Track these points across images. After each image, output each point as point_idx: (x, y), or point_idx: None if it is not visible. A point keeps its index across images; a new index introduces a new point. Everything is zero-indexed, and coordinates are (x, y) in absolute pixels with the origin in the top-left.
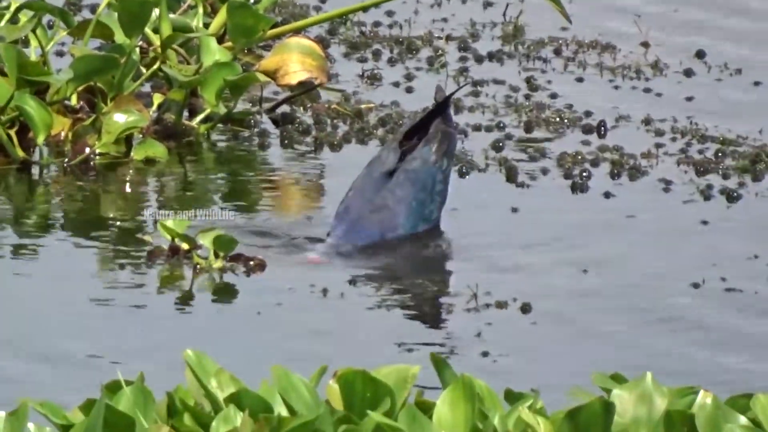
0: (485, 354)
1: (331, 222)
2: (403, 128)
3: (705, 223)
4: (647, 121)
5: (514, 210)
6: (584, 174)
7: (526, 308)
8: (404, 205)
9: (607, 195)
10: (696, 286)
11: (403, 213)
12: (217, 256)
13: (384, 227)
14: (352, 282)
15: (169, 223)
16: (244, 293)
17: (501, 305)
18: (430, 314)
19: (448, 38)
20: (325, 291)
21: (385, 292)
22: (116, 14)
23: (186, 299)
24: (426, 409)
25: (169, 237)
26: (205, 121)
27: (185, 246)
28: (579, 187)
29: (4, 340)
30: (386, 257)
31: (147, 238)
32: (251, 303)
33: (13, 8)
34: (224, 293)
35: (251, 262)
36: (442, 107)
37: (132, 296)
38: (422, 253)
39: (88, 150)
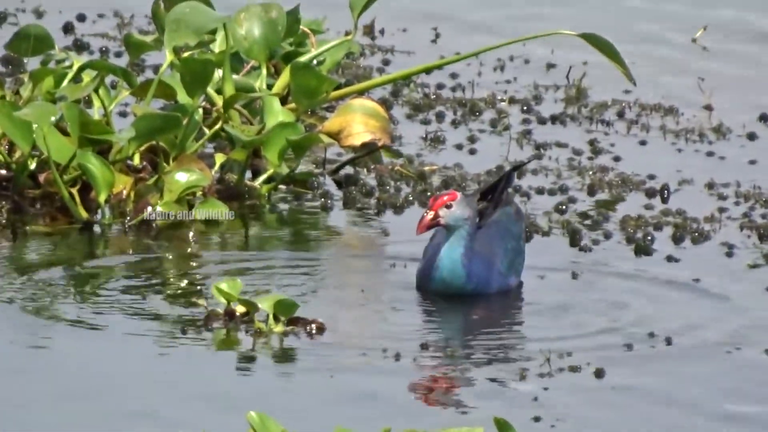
0: (547, 417)
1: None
2: (477, 189)
3: None
4: (710, 185)
5: (575, 276)
6: (647, 238)
7: (599, 373)
8: (501, 249)
9: (670, 259)
10: None
11: (500, 254)
12: (277, 320)
13: (486, 265)
14: (425, 346)
15: (224, 286)
16: (305, 356)
17: (574, 369)
18: (502, 378)
19: (511, 100)
20: (397, 356)
21: (458, 356)
22: (179, 74)
23: (248, 362)
24: None
25: (224, 301)
26: (267, 181)
27: (241, 309)
28: (642, 251)
29: (65, 402)
30: (449, 320)
31: (201, 302)
32: (315, 365)
33: (75, 68)
34: (286, 356)
35: (311, 326)
36: (511, 176)
37: (192, 359)
38: (494, 316)
39: (149, 209)
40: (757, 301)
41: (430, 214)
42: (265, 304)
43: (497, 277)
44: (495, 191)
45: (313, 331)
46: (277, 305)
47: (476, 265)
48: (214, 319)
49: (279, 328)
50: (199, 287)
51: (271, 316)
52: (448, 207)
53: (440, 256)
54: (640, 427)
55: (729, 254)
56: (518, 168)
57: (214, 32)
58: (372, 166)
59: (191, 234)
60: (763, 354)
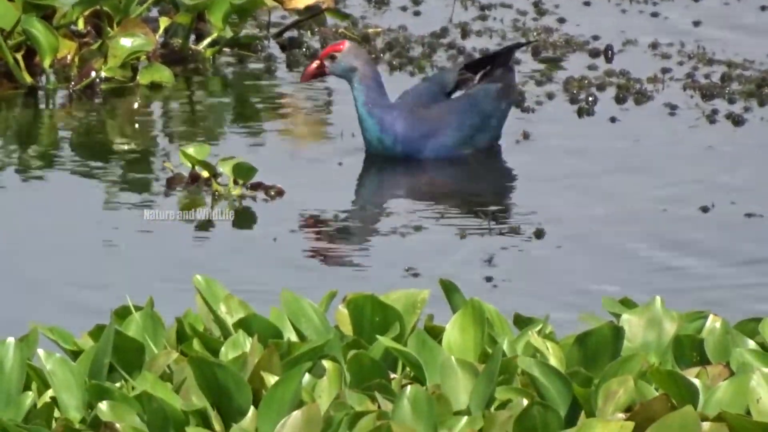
0: (494, 278)
1: (381, 109)
2: (464, 60)
3: (710, 147)
4: (654, 46)
5: (524, 135)
6: (590, 98)
7: (539, 233)
8: (456, 122)
9: (613, 119)
10: (705, 210)
11: (452, 127)
12: (236, 183)
13: (417, 130)
14: (363, 208)
15: (190, 150)
16: (259, 220)
17: (514, 231)
18: (442, 240)
19: None
20: (336, 217)
21: (397, 218)
22: None
23: (201, 226)
24: (435, 333)
25: (189, 164)
26: (211, 45)
27: (205, 174)
28: (585, 112)
29: (13, 266)
30: (400, 184)
31: (167, 164)
32: (266, 230)
33: None
34: (240, 220)
35: (271, 190)
36: (507, 55)
37: (144, 223)
38: (434, 180)
39: (93, 74)
40: (699, 159)
41: (315, 63)
42: (224, 168)
43: (435, 147)
44: (486, 65)
45: (273, 195)
46: (235, 168)
47: (398, 125)
48: (177, 183)
49: (237, 191)
50: (149, 150)
51: (230, 180)
52: (332, 58)
53: (359, 117)
54: (594, 284)
55: (672, 114)
56: (518, 47)
57: None
58: (316, 29)
59: (136, 98)
60: (697, 211)
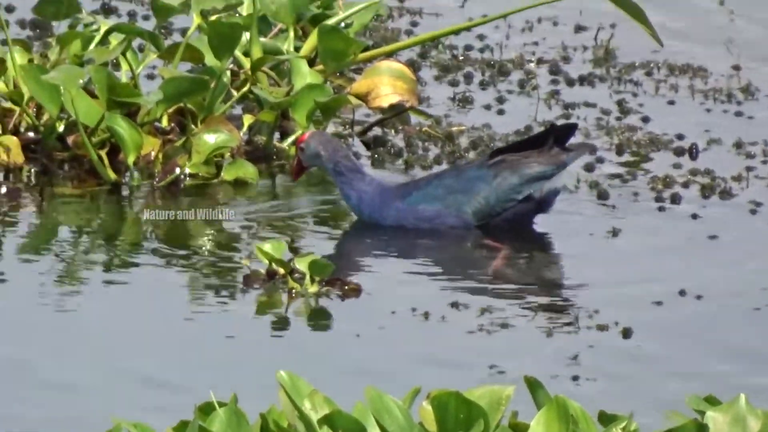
0: (578, 377)
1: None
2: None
3: None
4: (738, 144)
5: (609, 233)
6: (675, 197)
7: (627, 333)
8: (424, 182)
9: (695, 216)
10: None
11: (420, 186)
12: (313, 280)
13: (380, 195)
14: (454, 305)
15: (267, 247)
16: (340, 316)
17: (602, 328)
18: (528, 337)
19: (540, 61)
20: (426, 314)
21: (486, 314)
22: (206, 37)
23: (281, 323)
24: (520, 431)
25: (266, 261)
26: (295, 143)
27: (282, 270)
28: (669, 210)
29: (99, 362)
30: (484, 279)
31: (245, 261)
32: (343, 327)
33: (103, 31)
34: (320, 317)
35: (347, 287)
36: (539, 140)
37: (227, 319)
38: (521, 274)
39: (177, 170)
40: None
41: (295, 160)
42: (301, 265)
43: (397, 207)
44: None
45: (348, 292)
46: (312, 265)
47: (365, 195)
48: (254, 280)
49: (314, 288)
50: (233, 248)
51: (307, 276)
52: (301, 150)
53: (343, 197)
54: (679, 383)
55: (753, 212)
56: (543, 136)
57: None
58: (400, 128)
59: (220, 195)
60: None
